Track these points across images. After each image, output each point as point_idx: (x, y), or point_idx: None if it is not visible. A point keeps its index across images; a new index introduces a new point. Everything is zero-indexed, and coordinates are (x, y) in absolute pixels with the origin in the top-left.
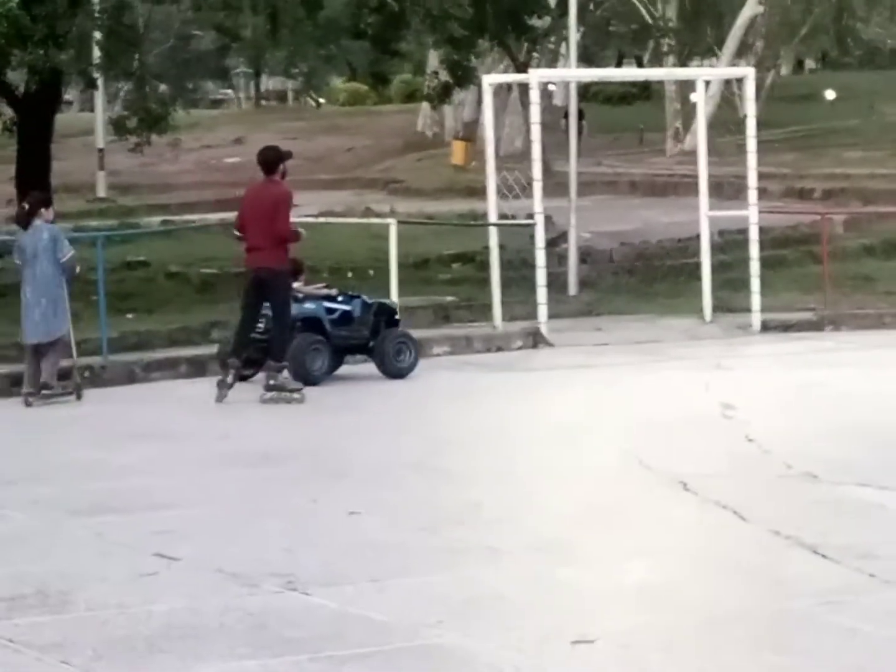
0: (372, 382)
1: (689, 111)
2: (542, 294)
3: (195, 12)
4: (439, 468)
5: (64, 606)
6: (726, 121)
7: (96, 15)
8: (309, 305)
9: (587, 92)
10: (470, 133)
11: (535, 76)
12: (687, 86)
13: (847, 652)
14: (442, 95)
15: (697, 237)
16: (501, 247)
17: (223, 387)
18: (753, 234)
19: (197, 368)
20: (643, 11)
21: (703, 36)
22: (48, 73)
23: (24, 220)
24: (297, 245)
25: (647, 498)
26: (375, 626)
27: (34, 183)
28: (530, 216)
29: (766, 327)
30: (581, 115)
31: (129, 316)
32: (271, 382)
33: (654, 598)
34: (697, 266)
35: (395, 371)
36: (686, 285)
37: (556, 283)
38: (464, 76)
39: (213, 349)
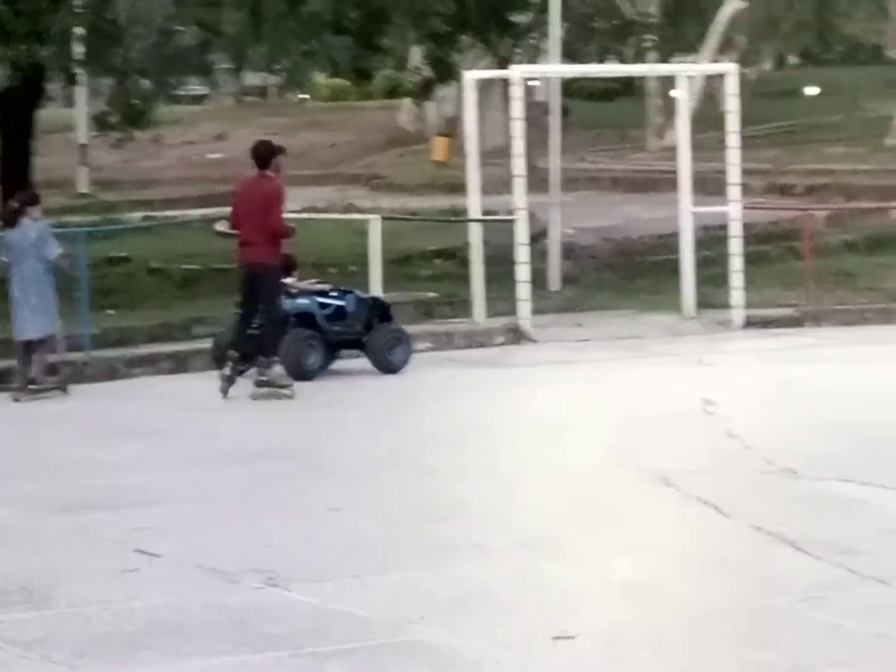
0: (361, 378)
1: (671, 107)
2: (523, 290)
3: (177, 8)
4: (423, 464)
5: (47, 603)
6: (708, 117)
7: (78, 10)
8: (302, 301)
9: (569, 88)
10: (452, 129)
11: (518, 72)
12: (669, 82)
13: (830, 648)
14: (424, 91)
15: (679, 233)
16: (484, 243)
17: (224, 380)
18: (735, 230)
19: (178, 364)
20: (625, 7)
21: (685, 32)
22: (30, 68)
23: (11, 219)
24: (284, 241)
25: (631, 494)
26: (358, 623)
27: (16, 179)
28: (512, 212)
29: (747, 323)
30: (565, 112)
31: (111, 312)
32: (261, 378)
33: (640, 595)
34: (679, 262)
35: (388, 366)
36: (668, 281)
37: (538, 279)
38: (446, 72)
39: (195, 345)
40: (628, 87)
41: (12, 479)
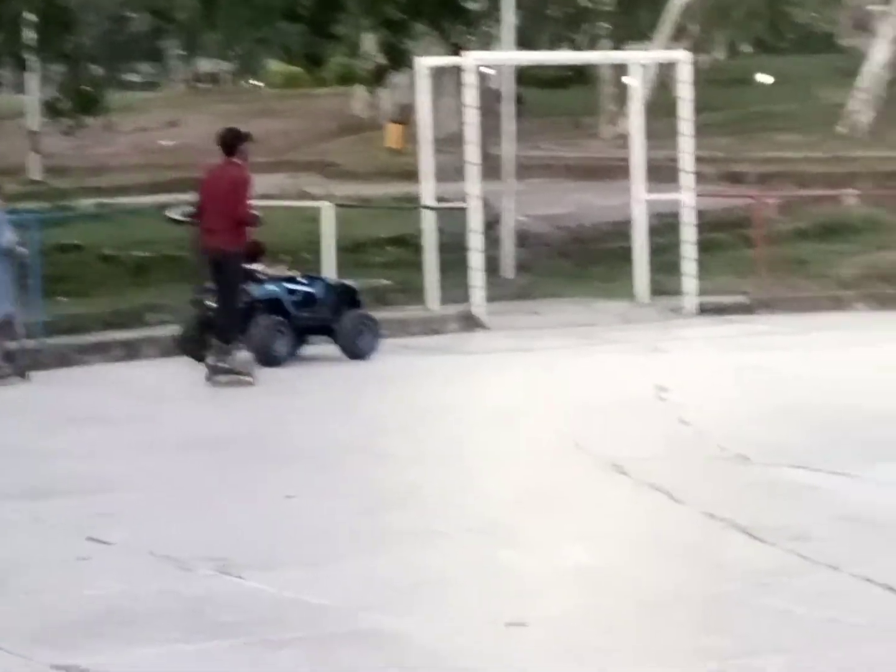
0: (319, 365)
1: (624, 95)
2: (477, 277)
3: None
4: (378, 451)
5: (0, 590)
6: (661, 105)
7: None
8: (271, 287)
9: (523, 75)
10: (405, 116)
11: (471, 59)
12: (622, 69)
13: (781, 634)
14: (377, 78)
15: (632, 221)
16: (437, 230)
17: (209, 368)
18: (688, 218)
19: (131, 352)
20: None
21: (638, 20)
22: None
23: None
24: (250, 229)
25: (584, 481)
26: (312, 611)
27: None
28: (465, 199)
29: (701, 310)
30: (519, 100)
31: (63, 299)
32: (220, 364)
33: (593, 582)
34: (632, 249)
35: (356, 352)
36: (621, 268)
37: (492, 266)
38: (399, 59)
39: (148, 332)
40: (581, 75)
41: None
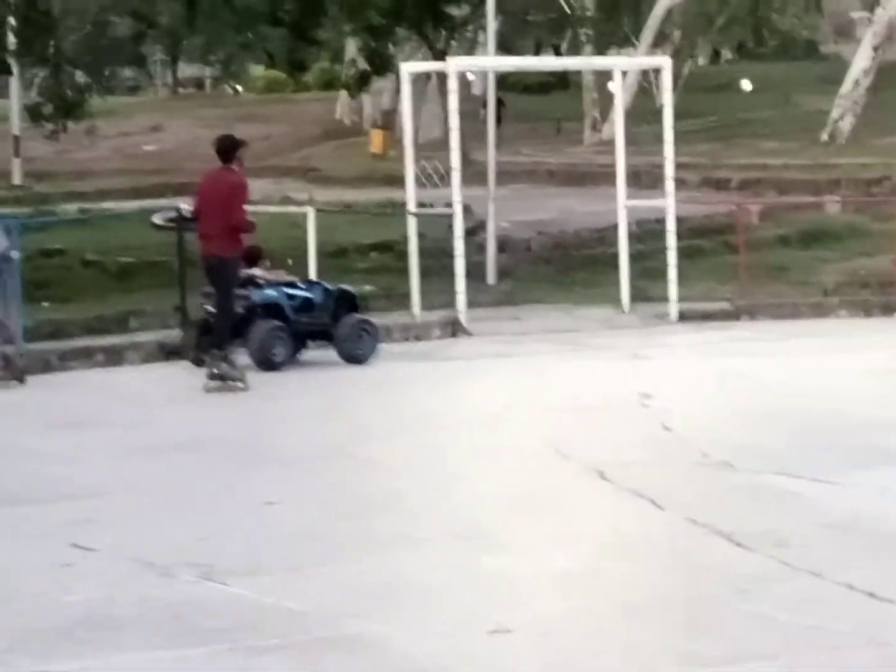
0: (310, 370)
1: (606, 101)
2: (460, 283)
3: None
4: (361, 456)
5: None
6: (644, 110)
7: (11, 1)
8: (270, 292)
9: (505, 81)
10: (388, 121)
11: (453, 65)
12: (604, 75)
13: (762, 640)
14: (360, 84)
15: (615, 227)
16: (420, 236)
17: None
18: (670, 224)
19: (113, 357)
20: (561, 0)
21: (620, 26)
22: None
23: None
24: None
25: (568, 486)
26: (294, 616)
27: None
28: (449, 205)
29: (683, 317)
30: (501, 104)
31: (45, 304)
32: (214, 371)
33: (575, 587)
34: (615, 255)
35: (355, 357)
36: (604, 275)
37: (475, 272)
38: (382, 64)
39: (131, 338)
40: (564, 81)
41: None
